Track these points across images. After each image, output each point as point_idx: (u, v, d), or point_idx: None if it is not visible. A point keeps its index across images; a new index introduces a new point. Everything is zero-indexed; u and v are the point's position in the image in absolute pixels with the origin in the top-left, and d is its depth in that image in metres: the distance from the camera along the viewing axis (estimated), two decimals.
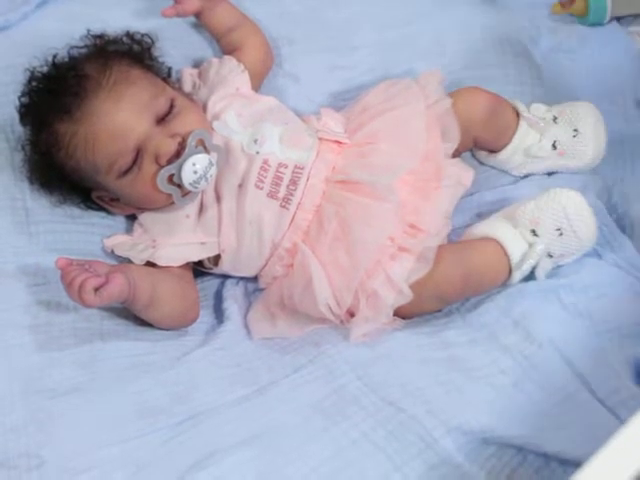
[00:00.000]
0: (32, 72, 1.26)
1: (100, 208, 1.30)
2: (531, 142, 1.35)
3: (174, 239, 1.25)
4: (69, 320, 1.17)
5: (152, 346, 1.18)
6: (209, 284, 1.33)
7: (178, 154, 1.18)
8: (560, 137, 1.34)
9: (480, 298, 1.21)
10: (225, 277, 1.32)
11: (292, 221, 1.22)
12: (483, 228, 1.23)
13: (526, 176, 1.37)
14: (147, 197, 1.23)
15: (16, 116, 1.27)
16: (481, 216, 1.30)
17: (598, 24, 1.55)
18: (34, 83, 1.25)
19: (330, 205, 1.20)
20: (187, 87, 1.36)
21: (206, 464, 1.01)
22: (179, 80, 1.37)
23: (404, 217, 1.20)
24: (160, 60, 1.33)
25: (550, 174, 1.37)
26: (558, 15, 1.55)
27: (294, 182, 1.22)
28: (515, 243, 1.21)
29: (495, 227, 1.23)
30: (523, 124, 1.35)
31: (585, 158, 1.34)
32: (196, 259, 1.26)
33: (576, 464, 0.97)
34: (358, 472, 1.01)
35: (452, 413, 1.04)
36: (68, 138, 1.20)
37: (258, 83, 1.40)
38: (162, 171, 1.18)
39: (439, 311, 1.23)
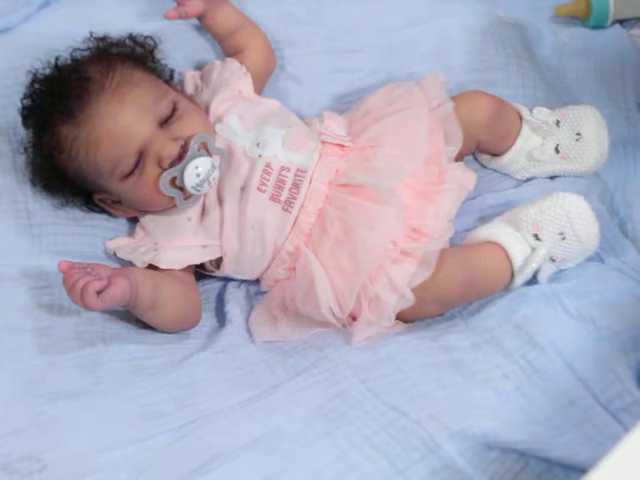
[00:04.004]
0: (34, 74, 1.26)
1: (102, 210, 1.30)
2: (534, 146, 1.35)
3: (176, 242, 1.26)
4: (71, 323, 1.18)
5: (154, 349, 1.18)
6: (211, 287, 1.33)
7: (181, 157, 1.18)
8: (563, 141, 1.34)
9: (482, 302, 1.21)
10: (227, 280, 1.32)
11: (294, 224, 1.22)
12: (485, 232, 1.23)
13: (529, 180, 1.37)
14: (149, 200, 1.23)
15: (18, 118, 1.27)
16: (483, 220, 1.29)
17: (600, 27, 1.55)
18: (36, 85, 1.25)
19: (333, 208, 1.20)
20: (189, 89, 1.36)
21: (209, 468, 1.01)
22: (181, 82, 1.37)
23: (407, 221, 1.20)
24: (163, 62, 1.34)
25: (553, 178, 1.36)
26: (560, 17, 1.55)
27: (296, 185, 1.22)
28: (517, 247, 1.21)
29: (497, 231, 1.22)
30: (526, 128, 1.35)
31: (588, 162, 1.34)
32: (198, 262, 1.26)
33: (579, 469, 0.98)
34: (360, 476, 1.00)
35: (454, 417, 1.03)
36: (70, 141, 1.20)
37: (260, 86, 1.40)
38: (164, 174, 1.18)
39: (441, 315, 1.23)
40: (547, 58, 1.51)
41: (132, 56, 1.28)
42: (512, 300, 1.18)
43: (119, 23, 1.37)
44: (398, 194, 1.20)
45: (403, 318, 1.20)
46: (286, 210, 1.22)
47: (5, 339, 1.14)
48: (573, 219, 1.20)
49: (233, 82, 1.33)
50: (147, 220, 1.28)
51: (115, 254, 1.26)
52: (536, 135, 1.35)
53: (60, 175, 1.24)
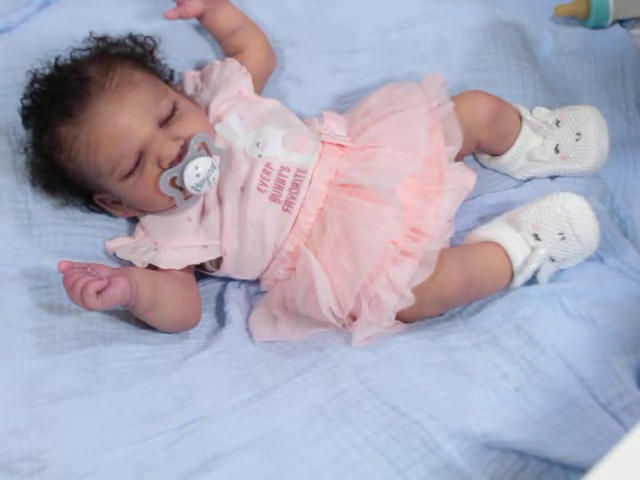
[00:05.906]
0: (34, 74, 1.26)
1: (102, 210, 1.30)
2: (534, 146, 1.35)
3: (176, 242, 1.26)
4: (71, 323, 1.18)
5: (154, 349, 1.18)
6: (211, 287, 1.33)
7: (180, 157, 1.18)
8: (563, 141, 1.34)
9: (482, 302, 1.21)
10: (227, 280, 1.32)
11: (294, 224, 1.22)
12: (485, 232, 1.23)
13: (529, 180, 1.37)
14: (149, 200, 1.23)
15: (18, 118, 1.27)
16: (483, 219, 1.30)
17: (600, 27, 1.55)
18: (36, 85, 1.25)
19: (333, 209, 1.20)
20: (189, 90, 1.36)
21: (209, 468, 1.01)
22: (181, 82, 1.37)
23: (407, 221, 1.20)
24: (163, 62, 1.34)
25: (553, 178, 1.36)
26: (560, 17, 1.55)
27: (296, 185, 1.22)
28: (517, 247, 1.21)
29: (497, 231, 1.22)
30: (526, 128, 1.35)
31: (588, 162, 1.34)
32: (198, 262, 1.26)
33: (579, 469, 0.98)
34: (360, 476, 1.01)
35: (454, 418, 1.04)
36: (70, 141, 1.20)
37: (260, 86, 1.40)
38: (164, 174, 1.18)
39: (441, 315, 1.23)
40: (547, 58, 1.51)
41: (132, 56, 1.28)
42: (512, 300, 1.18)
43: (119, 23, 1.37)
44: (398, 194, 1.20)
45: (403, 318, 1.20)
46: (286, 210, 1.22)
47: (5, 339, 1.14)
48: (573, 219, 1.20)
49: (233, 82, 1.33)
50: (147, 220, 1.28)
51: (115, 254, 1.26)
52: (536, 135, 1.35)
53: (60, 175, 1.24)
